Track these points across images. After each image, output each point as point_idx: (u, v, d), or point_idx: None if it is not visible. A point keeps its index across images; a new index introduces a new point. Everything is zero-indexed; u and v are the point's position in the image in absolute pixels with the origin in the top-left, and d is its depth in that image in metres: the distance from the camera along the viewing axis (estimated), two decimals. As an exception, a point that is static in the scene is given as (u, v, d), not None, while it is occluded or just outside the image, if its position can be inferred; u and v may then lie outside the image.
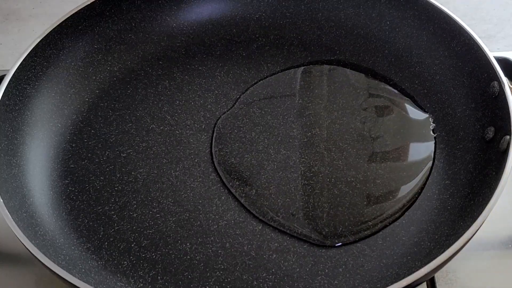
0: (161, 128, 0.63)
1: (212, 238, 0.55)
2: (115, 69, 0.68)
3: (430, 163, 0.58)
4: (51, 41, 0.64)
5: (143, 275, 0.52)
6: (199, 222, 0.56)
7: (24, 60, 0.60)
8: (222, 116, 0.64)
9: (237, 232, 0.55)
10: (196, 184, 0.58)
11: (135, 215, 0.56)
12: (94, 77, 0.67)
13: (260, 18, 0.72)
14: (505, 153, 0.51)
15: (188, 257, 0.53)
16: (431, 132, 0.61)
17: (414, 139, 0.61)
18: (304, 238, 0.54)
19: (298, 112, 0.64)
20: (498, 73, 0.56)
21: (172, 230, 0.55)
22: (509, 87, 0.55)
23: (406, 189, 0.57)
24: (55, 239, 0.54)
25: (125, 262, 0.53)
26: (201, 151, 0.61)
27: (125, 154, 0.61)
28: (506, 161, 0.51)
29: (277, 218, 0.55)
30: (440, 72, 0.64)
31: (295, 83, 0.66)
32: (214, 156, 0.60)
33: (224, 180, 0.58)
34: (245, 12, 0.73)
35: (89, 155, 0.61)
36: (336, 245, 0.54)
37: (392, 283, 0.45)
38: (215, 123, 0.63)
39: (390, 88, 0.65)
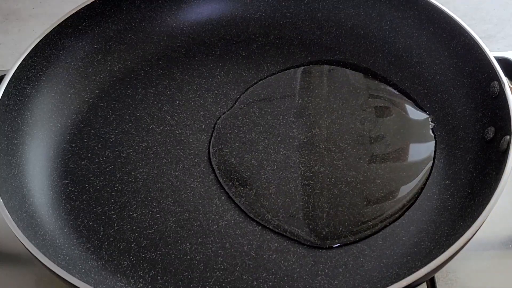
0: (161, 128, 0.63)
1: (212, 238, 0.54)
2: (115, 69, 0.68)
3: (430, 163, 0.58)
4: (51, 41, 0.64)
5: (143, 275, 0.52)
6: (199, 222, 0.56)
7: (24, 60, 0.60)
8: (222, 116, 0.64)
9: (237, 232, 0.55)
10: (196, 184, 0.58)
11: (135, 215, 0.56)
12: (94, 77, 0.67)
13: (260, 18, 0.72)
14: (505, 153, 0.51)
15: (188, 257, 0.53)
16: (431, 132, 0.60)
17: (413, 139, 0.61)
18: (303, 242, 0.54)
19: (298, 112, 0.63)
20: (498, 73, 0.56)
21: (172, 230, 0.55)
22: (510, 87, 0.55)
23: (406, 189, 0.57)
24: (55, 239, 0.53)
25: (125, 262, 0.53)
26: (201, 151, 0.61)
27: (125, 154, 0.61)
28: (506, 161, 0.51)
29: (276, 219, 0.55)
30: (440, 72, 0.63)
31: (295, 83, 0.66)
32: (213, 156, 0.60)
33: (224, 180, 0.58)
34: (245, 12, 0.72)
35: (89, 155, 0.61)
36: (336, 245, 0.53)
37: (392, 283, 0.45)
38: (215, 123, 0.63)
39: (390, 88, 0.65)
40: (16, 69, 0.59)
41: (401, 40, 0.67)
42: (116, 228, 0.55)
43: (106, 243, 0.54)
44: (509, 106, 0.53)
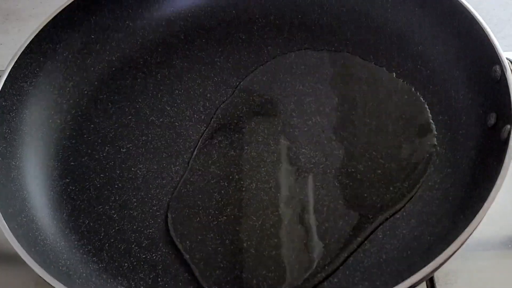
0: (161, 120, 0.63)
1: (212, 235, 0.55)
2: (114, 58, 0.68)
3: (433, 150, 0.57)
4: (46, 35, 0.63)
5: (143, 277, 0.53)
6: (198, 218, 0.56)
7: (19, 58, 0.60)
8: (221, 106, 0.63)
9: (237, 228, 0.55)
10: (196, 178, 0.58)
11: (135, 214, 0.56)
12: (92, 69, 0.66)
13: (260, -2, 0.71)
14: (506, 143, 0.50)
15: (188, 256, 0.53)
16: (430, 120, 0.59)
17: (414, 128, 0.59)
18: (303, 237, 0.54)
19: (298, 99, 0.62)
20: (500, 57, 0.54)
21: (172, 228, 0.55)
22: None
23: (408, 179, 0.56)
24: (56, 243, 0.54)
25: (125, 264, 0.53)
26: (200, 144, 0.60)
27: (124, 149, 0.61)
28: (506, 151, 0.49)
29: (276, 214, 0.55)
30: (443, 53, 0.62)
31: (295, 69, 0.65)
32: (213, 149, 0.60)
33: (223, 174, 0.58)
34: (245, -7, 0.71)
35: (89, 151, 0.61)
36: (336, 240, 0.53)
37: (392, 281, 0.45)
38: (214, 113, 0.62)
39: (392, 75, 0.63)
40: (12, 68, 0.59)
41: (403, 19, 0.66)
42: (116, 228, 0.56)
43: (107, 244, 0.55)
44: (510, 93, 0.52)
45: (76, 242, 0.55)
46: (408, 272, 0.46)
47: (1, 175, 0.55)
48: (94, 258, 0.54)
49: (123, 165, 0.60)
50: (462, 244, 0.46)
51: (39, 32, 0.62)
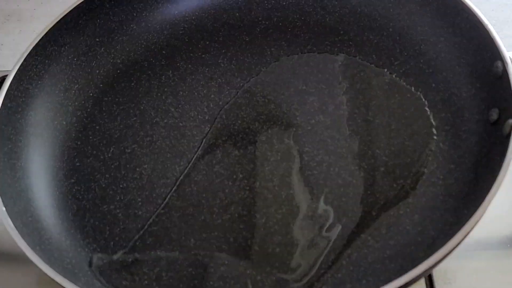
0: (165, 121, 0.63)
1: (216, 233, 0.55)
2: (118, 61, 0.68)
3: (432, 144, 0.57)
4: (51, 38, 0.63)
5: (147, 272, 0.53)
6: (203, 217, 0.56)
7: (24, 60, 0.60)
8: (225, 107, 0.63)
9: (241, 227, 0.55)
10: (200, 177, 0.58)
11: (140, 213, 0.57)
12: (97, 71, 0.67)
13: (263, 0, 0.71)
14: (508, 137, 0.50)
15: (192, 253, 0.54)
16: (428, 111, 0.60)
17: (415, 125, 0.59)
18: (307, 234, 0.54)
19: (301, 99, 0.63)
20: (502, 53, 0.54)
21: (177, 226, 0.56)
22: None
23: (411, 175, 0.56)
24: (61, 242, 0.54)
25: (129, 260, 0.54)
26: (204, 144, 0.61)
27: (129, 150, 0.61)
28: (508, 146, 0.49)
29: (280, 212, 0.55)
30: (445, 50, 0.62)
31: (298, 69, 0.65)
32: (217, 149, 0.60)
33: (227, 173, 0.58)
34: (248, -5, 0.72)
35: (94, 152, 0.61)
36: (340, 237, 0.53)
37: (396, 276, 0.45)
38: (218, 114, 0.63)
39: (392, 76, 0.63)
40: (17, 70, 0.60)
41: (405, 18, 0.66)
42: (122, 226, 0.56)
43: (112, 242, 0.55)
44: (512, 88, 0.52)
45: (81, 241, 0.55)
46: (412, 267, 0.46)
47: (6, 175, 0.55)
48: (98, 255, 0.54)
49: (128, 166, 0.60)
50: (465, 237, 0.46)
51: (45, 35, 0.63)
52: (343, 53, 0.66)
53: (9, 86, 0.58)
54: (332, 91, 0.63)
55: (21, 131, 0.59)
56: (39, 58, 0.62)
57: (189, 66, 0.67)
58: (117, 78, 0.67)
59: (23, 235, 0.49)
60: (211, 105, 0.64)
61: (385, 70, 0.64)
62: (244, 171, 0.58)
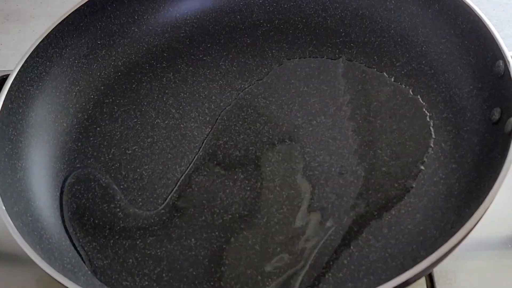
0: (166, 122, 0.63)
1: (217, 233, 0.54)
2: (120, 63, 0.68)
3: (431, 143, 0.57)
4: (52, 40, 0.64)
5: (148, 272, 0.53)
6: (203, 217, 0.56)
7: (25, 61, 0.60)
8: (226, 108, 0.63)
9: (242, 226, 0.55)
10: (201, 178, 0.58)
11: (140, 212, 0.56)
12: (98, 73, 0.67)
13: (264, 3, 0.72)
14: (510, 136, 0.50)
15: (193, 252, 0.53)
16: (426, 113, 0.60)
17: (413, 126, 0.59)
18: (308, 233, 0.53)
19: (303, 100, 0.63)
20: (504, 52, 0.54)
21: (177, 226, 0.55)
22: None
23: (413, 175, 0.56)
24: (61, 241, 0.54)
25: (130, 260, 0.53)
26: (205, 144, 0.61)
27: (130, 151, 0.61)
28: (510, 144, 0.49)
29: (281, 212, 0.55)
30: (447, 51, 0.62)
31: (299, 71, 0.65)
32: (218, 149, 0.60)
33: (228, 173, 0.58)
34: (249, -3, 0.72)
35: (95, 153, 0.61)
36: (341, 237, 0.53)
37: (397, 274, 0.45)
38: (219, 115, 0.63)
39: (391, 80, 0.63)
40: (18, 72, 0.60)
41: (406, 19, 0.66)
42: (121, 225, 0.56)
43: (111, 241, 0.55)
44: (514, 86, 0.52)
45: (81, 240, 0.55)
46: (414, 266, 0.45)
47: (7, 175, 0.55)
48: (98, 255, 0.54)
49: (128, 166, 0.60)
50: (467, 234, 0.46)
51: (46, 36, 0.63)
52: (344, 55, 0.66)
53: (10, 87, 0.58)
54: (333, 93, 0.63)
55: (22, 132, 0.59)
56: (40, 60, 0.62)
57: (190, 68, 0.67)
58: (118, 80, 0.67)
59: (23, 235, 0.49)
60: (212, 107, 0.64)
61: (384, 73, 0.63)
62: (245, 172, 0.58)
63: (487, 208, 0.47)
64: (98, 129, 0.63)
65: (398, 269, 0.49)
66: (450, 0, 0.61)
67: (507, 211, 0.57)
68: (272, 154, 0.59)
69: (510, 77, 0.53)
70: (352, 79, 0.64)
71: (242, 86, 0.65)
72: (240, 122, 0.62)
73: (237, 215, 0.55)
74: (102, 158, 0.61)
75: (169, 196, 0.57)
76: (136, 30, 0.70)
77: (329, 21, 0.69)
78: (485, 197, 0.47)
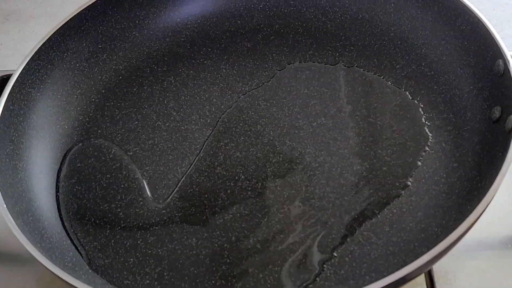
0: (167, 124, 0.63)
1: (217, 232, 0.54)
2: (121, 67, 0.69)
3: (428, 143, 0.57)
4: (54, 43, 0.64)
5: (149, 271, 0.52)
6: (205, 217, 0.55)
7: (27, 64, 0.61)
8: (227, 110, 0.63)
9: (243, 226, 0.55)
10: (202, 178, 0.58)
11: (141, 212, 0.56)
12: (99, 77, 0.67)
13: (264, 7, 0.72)
14: (510, 133, 0.50)
15: (194, 252, 0.53)
16: (423, 117, 0.60)
17: (411, 127, 0.60)
18: (309, 232, 0.53)
19: (303, 102, 0.63)
20: (503, 51, 0.55)
21: (178, 225, 0.55)
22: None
23: (413, 174, 0.56)
24: (62, 241, 0.54)
25: (131, 259, 0.53)
26: (206, 146, 0.61)
27: (131, 152, 0.61)
28: (511, 141, 0.49)
29: (282, 211, 0.55)
30: (446, 53, 0.62)
31: (300, 74, 0.65)
32: (219, 151, 0.60)
33: (229, 174, 0.58)
34: (249, 3, 0.72)
35: (96, 153, 0.61)
36: (342, 235, 0.53)
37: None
38: (220, 117, 0.63)
39: (389, 83, 0.63)
40: (20, 74, 0.60)
41: (406, 22, 0.66)
42: (122, 225, 0.56)
43: (112, 240, 0.55)
44: (514, 84, 0.52)
45: (82, 240, 0.55)
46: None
47: (8, 176, 0.55)
48: (99, 254, 0.54)
49: (129, 166, 0.60)
50: (467, 230, 0.46)
51: (47, 39, 0.63)
52: (345, 58, 0.66)
53: (11, 89, 0.59)
54: (334, 95, 0.63)
55: (23, 134, 0.59)
56: (41, 62, 0.63)
57: (191, 71, 0.68)
58: (119, 84, 0.67)
59: (24, 232, 0.49)
60: (213, 109, 0.64)
61: (383, 77, 0.64)
62: (246, 172, 0.58)
63: (488, 203, 0.47)
64: (99, 131, 0.63)
65: (400, 266, 0.49)
66: (449, 2, 0.62)
67: (507, 211, 0.57)
68: (273, 155, 0.59)
69: (510, 75, 0.53)
70: (352, 82, 0.64)
71: (243, 89, 0.65)
72: (241, 124, 0.62)
73: (238, 214, 0.55)
74: (102, 158, 0.61)
75: (170, 197, 0.57)
76: (137, 34, 0.70)
77: (329, 25, 0.70)
78: (486, 193, 0.47)
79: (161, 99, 0.65)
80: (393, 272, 0.46)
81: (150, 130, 0.63)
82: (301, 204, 0.55)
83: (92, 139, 0.62)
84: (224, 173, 0.59)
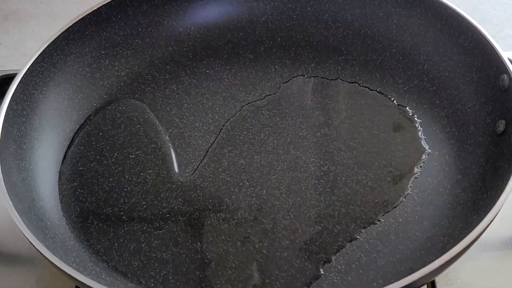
0: (170, 130, 0.63)
1: (223, 237, 0.54)
2: (123, 74, 0.68)
3: (423, 156, 0.58)
4: (58, 47, 0.64)
5: (154, 275, 0.52)
6: (209, 221, 0.55)
7: (31, 65, 0.60)
8: (230, 119, 0.63)
9: (248, 231, 0.54)
10: (206, 184, 0.58)
11: (145, 215, 0.56)
12: (101, 82, 0.67)
13: (267, 20, 0.72)
14: (515, 145, 0.51)
15: (199, 256, 0.53)
16: (418, 127, 0.61)
17: (409, 139, 0.61)
18: (315, 240, 0.53)
19: (306, 112, 0.63)
20: (508, 66, 0.56)
21: (183, 229, 0.55)
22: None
23: (417, 185, 0.56)
24: (65, 242, 0.53)
25: (135, 263, 0.53)
26: (210, 152, 0.61)
27: (133, 156, 0.61)
28: (517, 153, 0.50)
29: (287, 218, 0.55)
30: (449, 69, 0.63)
31: (303, 85, 0.66)
32: (223, 157, 0.60)
33: (234, 180, 0.58)
34: (252, 15, 0.73)
35: (98, 157, 0.61)
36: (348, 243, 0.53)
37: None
38: (224, 125, 0.63)
39: (389, 101, 0.64)
40: (24, 74, 0.59)
41: (408, 38, 0.67)
42: (126, 228, 0.55)
43: (116, 243, 0.54)
44: (520, 99, 0.53)
45: (85, 242, 0.54)
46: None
47: (12, 174, 0.54)
48: (103, 257, 0.53)
49: (132, 170, 0.59)
50: (476, 238, 0.46)
51: (51, 42, 0.63)
52: (346, 72, 0.67)
53: (15, 89, 0.58)
54: (337, 107, 0.64)
55: (26, 134, 0.59)
56: (45, 65, 0.62)
57: (194, 80, 0.68)
58: (121, 89, 0.67)
59: (29, 227, 0.48)
60: (216, 117, 0.64)
61: (384, 91, 0.64)
62: (251, 179, 0.58)
63: (496, 214, 0.47)
64: (100, 134, 0.63)
65: (407, 274, 0.49)
66: (452, 19, 0.63)
67: (508, 212, 0.57)
68: (278, 163, 0.59)
69: (515, 89, 0.54)
70: (355, 95, 0.65)
71: (246, 98, 0.65)
72: (244, 132, 0.62)
73: (243, 220, 0.55)
74: (105, 162, 0.60)
75: (174, 201, 0.57)
76: (139, 42, 0.70)
77: (331, 40, 0.70)
78: (495, 204, 0.47)
79: (163, 106, 0.65)
80: (400, 279, 0.46)
81: (152, 135, 0.63)
82: (306, 212, 0.55)
83: (93, 143, 0.62)
84: (229, 179, 0.58)
